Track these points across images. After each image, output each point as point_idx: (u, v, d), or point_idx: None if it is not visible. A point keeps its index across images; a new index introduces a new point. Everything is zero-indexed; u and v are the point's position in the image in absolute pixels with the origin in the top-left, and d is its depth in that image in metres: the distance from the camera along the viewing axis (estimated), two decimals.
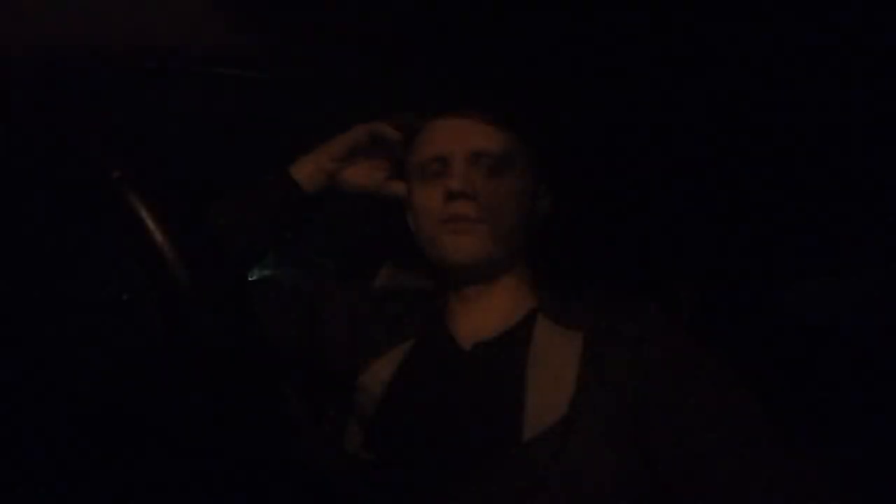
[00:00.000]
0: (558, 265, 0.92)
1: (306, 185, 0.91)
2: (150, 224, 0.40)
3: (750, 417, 0.66)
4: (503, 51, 0.82)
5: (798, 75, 0.82)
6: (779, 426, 0.65)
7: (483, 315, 0.84)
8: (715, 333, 0.78)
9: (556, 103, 0.93)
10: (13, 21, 0.72)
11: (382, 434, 0.79)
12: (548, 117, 0.93)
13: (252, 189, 0.91)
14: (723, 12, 0.71)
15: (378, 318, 0.90)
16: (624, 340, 0.74)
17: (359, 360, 0.85)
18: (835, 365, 1.15)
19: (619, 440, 0.68)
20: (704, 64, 0.81)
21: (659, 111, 0.94)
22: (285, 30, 0.81)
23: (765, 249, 1.30)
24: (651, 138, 1.00)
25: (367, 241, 1.15)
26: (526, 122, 0.86)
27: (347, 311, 0.91)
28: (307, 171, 0.91)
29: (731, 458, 0.63)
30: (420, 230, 0.87)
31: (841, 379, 1.10)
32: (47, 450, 0.42)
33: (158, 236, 0.40)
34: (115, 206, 0.41)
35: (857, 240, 1.21)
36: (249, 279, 0.98)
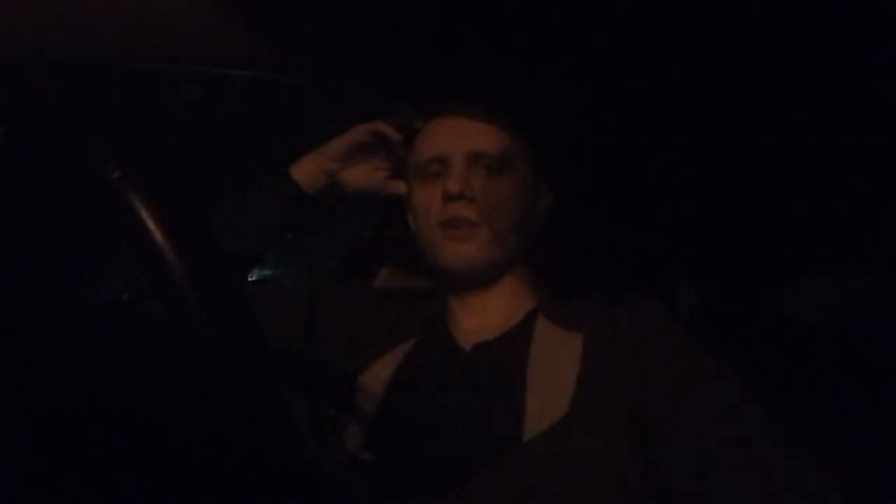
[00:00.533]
0: (558, 265, 0.92)
1: (306, 186, 0.91)
2: (151, 224, 0.40)
3: (750, 417, 0.66)
4: (504, 50, 0.82)
5: (799, 74, 0.82)
6: (779, 426, 0.65)
7: (483, 315, 0.84)
8: (715, 333, 0.78)
9: (557, 103, 0.93)
10: (14, 21, 0.72)
11: (382, 434, 0.79)
12: (548, 117, 0.93)
13: (252, 189, 0.92)
14: (726, 11, 0.71)
15: (378, 319, 0.90)
16: (624, 341, 0.74)
17: (359, 361, 0.85)
18: (835, 365, 1.15)
19: (619, 440, 0.68)
20: (707, 62, 0.81)
21: (660, 111, 0.93)
22: (285, 30, 0.81)
23: (765, 249, 1.30)
24: (652, 138, 1.00)
25: (367, 241, 1.15)
26: (526, 122, 0.86)
27: (347, 312, 0.91)
28: (307, 171, 0.91)
29: (731, 458, 0.63)
30: (419, 232, 0.87)
31: (841, 379, 1.10)
32: (46, 450, 0.42)
33: (159, 237, 0.40)
34: (115, 206, 0.41)
35: (858, 240, 1.21)
36: (249, 279, 0.98)
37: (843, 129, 0.92)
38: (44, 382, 0.47)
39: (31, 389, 0.45)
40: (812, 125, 0.92)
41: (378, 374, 0.82)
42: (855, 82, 0.82)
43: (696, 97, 0.90)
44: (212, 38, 0.80)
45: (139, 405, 0.49)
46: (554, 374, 0.73)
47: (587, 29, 0.76)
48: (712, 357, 0.72)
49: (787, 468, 0.62)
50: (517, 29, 0.77)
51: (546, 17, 0.74)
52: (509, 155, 0.83)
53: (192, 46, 0.83)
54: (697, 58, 0.80)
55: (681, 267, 1.34)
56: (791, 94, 0.87)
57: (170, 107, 1.32)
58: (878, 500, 0.85)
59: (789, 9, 0.69)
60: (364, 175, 0.92)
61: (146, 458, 0.43)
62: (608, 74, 0.87)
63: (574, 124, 0.97)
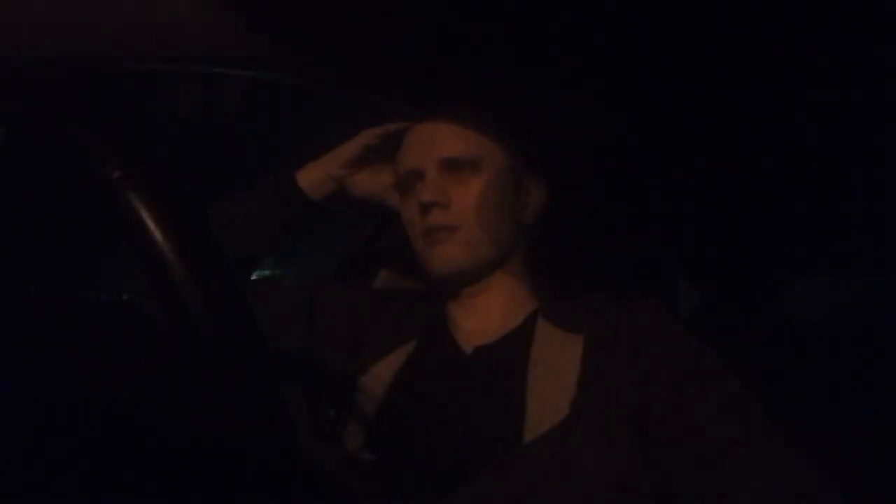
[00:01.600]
0: (558, 266, 0.92)
1: (312, 192, 0.91)
2: (151, 224, 0.40)
3: (750, 417, 0.66)
4: (504, 50, 0.82)
5: (798, 74, 0.82)
6: (778, 426, 0.65)
7: (483, 317, 0.84)
8: (715, 333, 0.78)
9: (557, 102, 0.93)
10: (14, 21, 0.72)
11: (383, 435, 0.79)
12: (538, 116, 0.93)
13: (256, 192, 0.91)
14: (726, 10, 0.71)
15: (379, 320, 0.90)
16: (624, 342, 0.74)
17: (359, 361, 0.85)
18: (835, 365, 1.15)
19: (619, 441, 0.68)
20: (707, 62, 0.81)
21: (660, 111, 0.93)
22: (285, 30, 0.81)
23: (765, 249, 1.30)
24: (652, 138, 1.00)
25: (368, 242, 1.15)
26: (502, 124, 0.86)
27: (348, 312, 0.91)
28: (315, 177, 0.91)
29: (731, 458, 0.63)
30: (410, 243, 0.87)
31: (841, 379, 1.10)
32: (46, 450, 0.42)
33: (159, 237, 0.40)
34: (115, 206, 0.41)
35: (858, 240, 1.21)
36: (250, 279, 0.98)
37: (843, 129, 0.92)
38: (44, 382, 0.47)
39: (31, 389, 0.45)
40: (812, 125, 0.92)
41: (379, 375, 0.82)
42: (855, 82, 0.82)
43: (697, 97, 0.90)
44: (212, 38, 0.80)
45: (139, 405, 0.49)
46: (554, 375, 0.73)
47: (586, 28, 0.76)
48: (712, 357, 0.72)
49: (786, 468, 0.62)
50: (516, 28, 0.77)
51: (545, 15, 0.74)
52: (484, 153, 0.83)
53: (192, 46, 0.83)
54: (697, 58, 0.80)
55: (681, 267, 1.34)
56: (791, 94, 0.86)
57: (170, 107, 1.32)
58: (878, 500, 0.85)
59: (789, 9, 0.69)
60: (371, 181, 0.93)
61: (146, 458, 0.43)
62: (609, 74, 0.87)
63: (574, 124, 0.97)
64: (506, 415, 0.71)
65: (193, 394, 0.43)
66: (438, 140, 0.84)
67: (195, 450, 0.43)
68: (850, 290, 1.39)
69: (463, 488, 0.67)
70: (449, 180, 0.82)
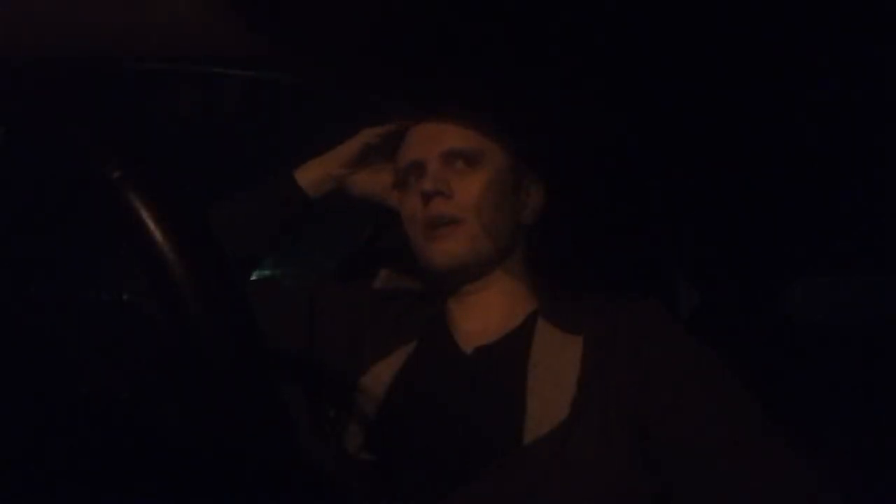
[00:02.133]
0: (558, 266, 0.91)
1: (312, 191, 0.91)
2: (151, 224, 0.40)
3: (749, 417, 0.66)
4: (481, 53, 0.82)
5: (798, 74, 0.82)
6: (778, 426, 0.65)
7: (482, 317, 0.84)
8: (715, 333, 0.78)
9: (549, 100, 0.93)
10: (14, 21, 0.72)
11: (383, 435, 0.79)
12: (538, 116, 0.93)
13: (256, 191, 0.92)
14: (726, 10, 0.71)
15: (379, 320, 0.90)
16: (624, 342, 0.74)
17: (359, 361, 0.85)
18: (835, 365, 1.15)
19: (620, 442, 0.68)
20: (707, 62, 0.81)
21: (661, 111, 0.93)
22: (285, 30, 0.81)
23: (765, 249, 1.30)
24: (652, 139, 1.00)
25: (368, 242, 1.15)
26: (502, 124, 0.86)
27: (348, 312, 0.91)
28: (315, 176, 0.92)
29: (731, 459, 0.63)
30: (409, 239, 0.87)
31: (841, 379, 1.10)
32: (46, 450, 0.42)
33: (159, 237, 0.40)
34: (115, 206, 0.41)
35: (858, 240, 1.21)
36: (250, 279, 0.98)
37: (843, 129, 0.92)
38: (44, 382, 0.47)
39: (31, 389, 0.45)
40: (812, 125, 0.92)
41: (379, 376, 0.82)
42: (855, 82, 0.82)
43: (697, 97, 0.90)
44: (212, 38, 0.80)
45: (139, 405, 0.49)
46: (555, 376, 0.73)
47: (586, 28, 0.76)
48: (712, 357, 0.72)
49: (786, 468, 0.62)
50: (516, 28, 0.77)
51: (545, 16, 0.74)
52: (485, 149, 0.83)
53: (192, 46, 0.83)
54: (697, 58, 0.80)
55: (681, 267, 1.34)
56: (791, 94, 0.86)
57: (170, 107, 1.32)
58: (878, 500, 0.85)
59: (789, 9, 0.69)
60: (371, 180, 0.93)
61: (146, 458, 0.43)
62: (609, 74, 0.87)
63: (574, 124, 0.97)
64: (506, 415, 0.71)
65: (193, 394, 0.43)
66: (440, 135, 0.84)
67: (195, 450, 0.43)
68: (850, 290, 1.39)
69: (463, 488, 0.68)
70: (450, 173, 0.82)
